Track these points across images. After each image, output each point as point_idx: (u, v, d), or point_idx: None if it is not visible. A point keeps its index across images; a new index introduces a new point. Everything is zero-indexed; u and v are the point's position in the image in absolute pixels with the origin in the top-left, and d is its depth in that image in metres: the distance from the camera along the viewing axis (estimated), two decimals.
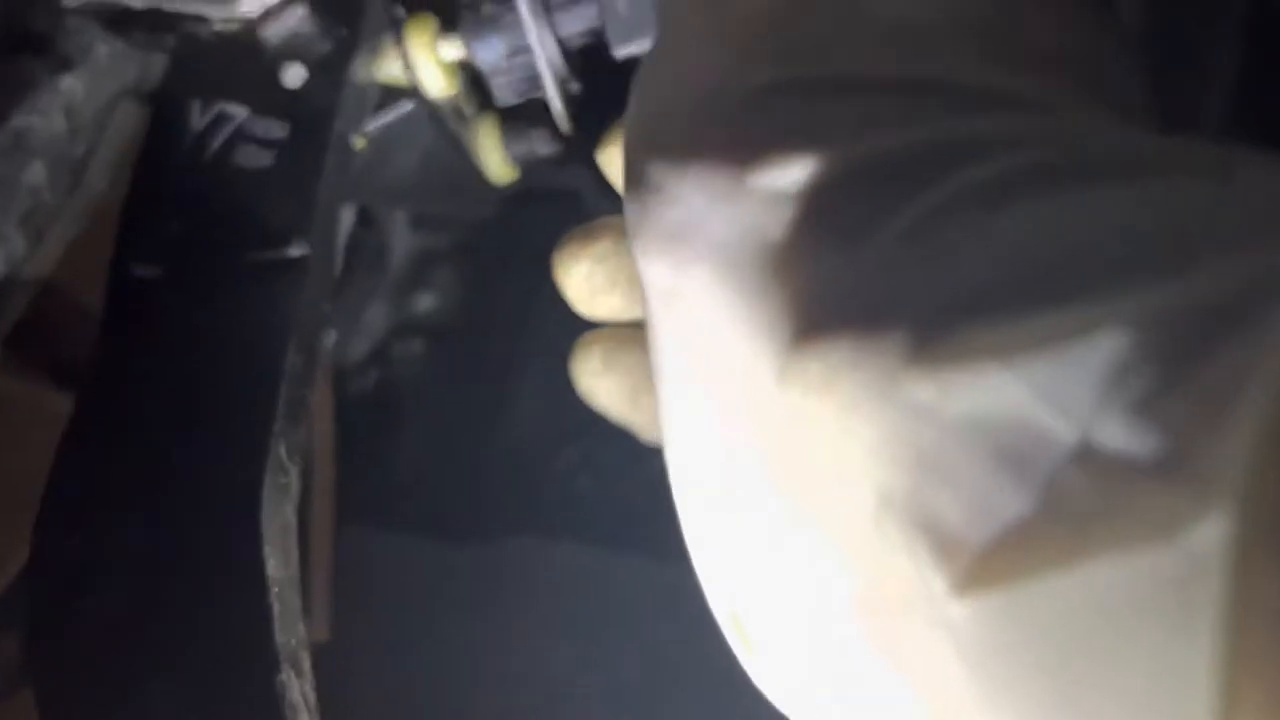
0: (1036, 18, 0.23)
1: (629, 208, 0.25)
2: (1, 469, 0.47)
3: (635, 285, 0.33)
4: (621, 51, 0.40)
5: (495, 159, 0.46)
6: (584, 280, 0.32)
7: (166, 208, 0.40)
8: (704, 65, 0.24)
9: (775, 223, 0.20)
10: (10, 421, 0.47)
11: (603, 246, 0.32)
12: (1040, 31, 0.23)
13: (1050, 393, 0.16)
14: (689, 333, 0.22)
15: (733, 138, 0.21)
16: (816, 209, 0.20)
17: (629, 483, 0.60)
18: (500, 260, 0.65)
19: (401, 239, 0.67)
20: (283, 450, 0.33)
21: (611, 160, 0.36)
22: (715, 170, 0.21)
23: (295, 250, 0.37)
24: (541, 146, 0.45)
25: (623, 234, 0.32)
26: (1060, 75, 0.22)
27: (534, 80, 0.42)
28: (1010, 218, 0.18)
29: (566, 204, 0.65)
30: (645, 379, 0.33)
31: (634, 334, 0.33)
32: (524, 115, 0.45)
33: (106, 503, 0.34)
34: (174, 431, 0.35)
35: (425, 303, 0.67)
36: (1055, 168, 0.18)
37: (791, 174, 0.20)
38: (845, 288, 0.19)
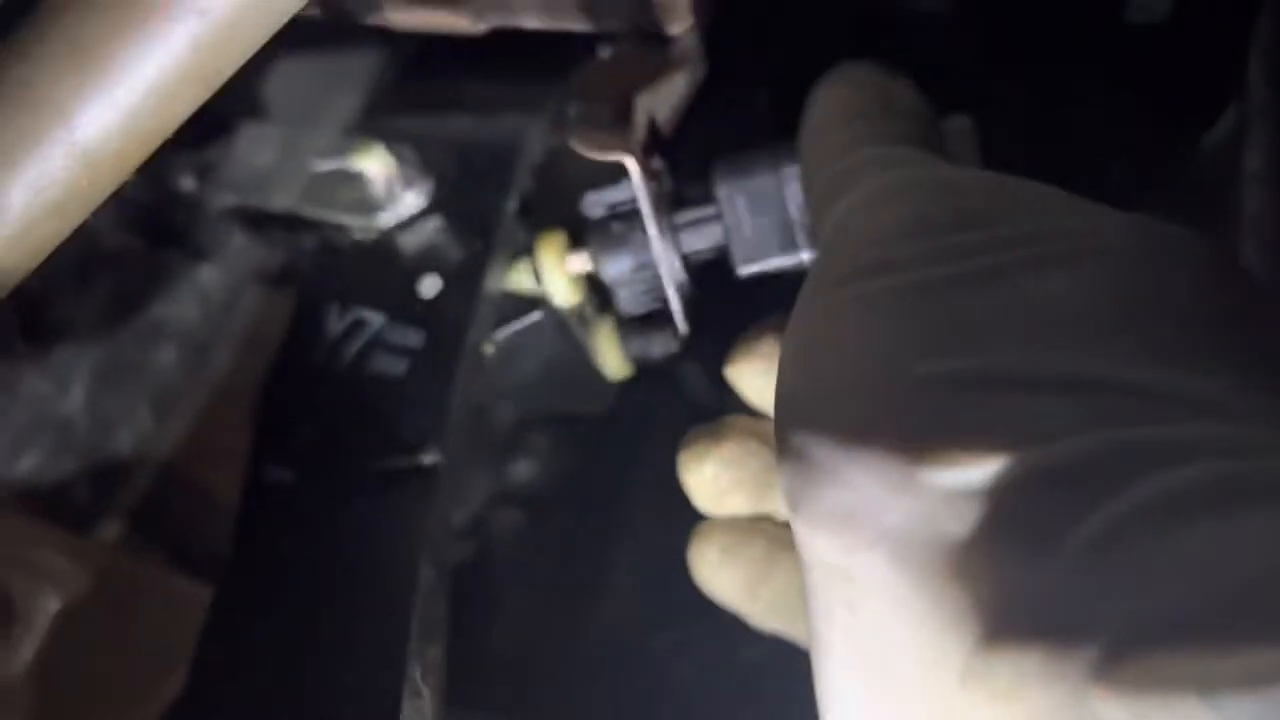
0: (1205, 302, 0.23)
1: (787, 475, 0.25)
2: (121, 650, 0.49)
3: (759, 487, 0.33)
4: (745, 271, 0.41)
5: (612, 358, 0.48)
6: (710, 480, 0.33)
7: (301, 412, 0.41)
8: (866, 344, 0.24)
9: (953, 519, 0.20)
10: (131, 602, 0.48)
11: (730, 450, 0.32)
12: (1209, 319, 0.23)
13: None
14: (858, 615, 0.22)
15: (905, 428, 0.22)
16: (998, 512, 0.20)
17: (727, 671, 0.59)
18: (598, 433, 0.66)
19: (503, 405, 0.68)
20: (418, 672, 0.34)
21: (741, 375, 0.36)
22: (889, 460, 0.22)
23: (427, 459, 0.38)
24: (656, 349, 0.47)
25: (748, 436, 0.33)
26: (1230, 368, 0.22)
27: (656, 291, 0.44)
28: (1201, 535, 0.18)
29: (666, 387, 0.66)
30: (762, 572, 0.33)
31: (752, 527, 0.33)
32: (640, 318, 0.46)
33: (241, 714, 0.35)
34: (308, 644, 0.36)
35: (524, 471, 0.68)
36: (1242, 482, 0.18)
37: (969, 473, 0.20)
38: (1033, 596, 0.19)
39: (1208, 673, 0.16)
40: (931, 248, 0.25)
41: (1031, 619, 0.19)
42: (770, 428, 0.31)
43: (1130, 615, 0.17)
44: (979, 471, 0.20)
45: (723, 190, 0.40)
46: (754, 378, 0.34)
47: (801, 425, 0.24)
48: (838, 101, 0.34)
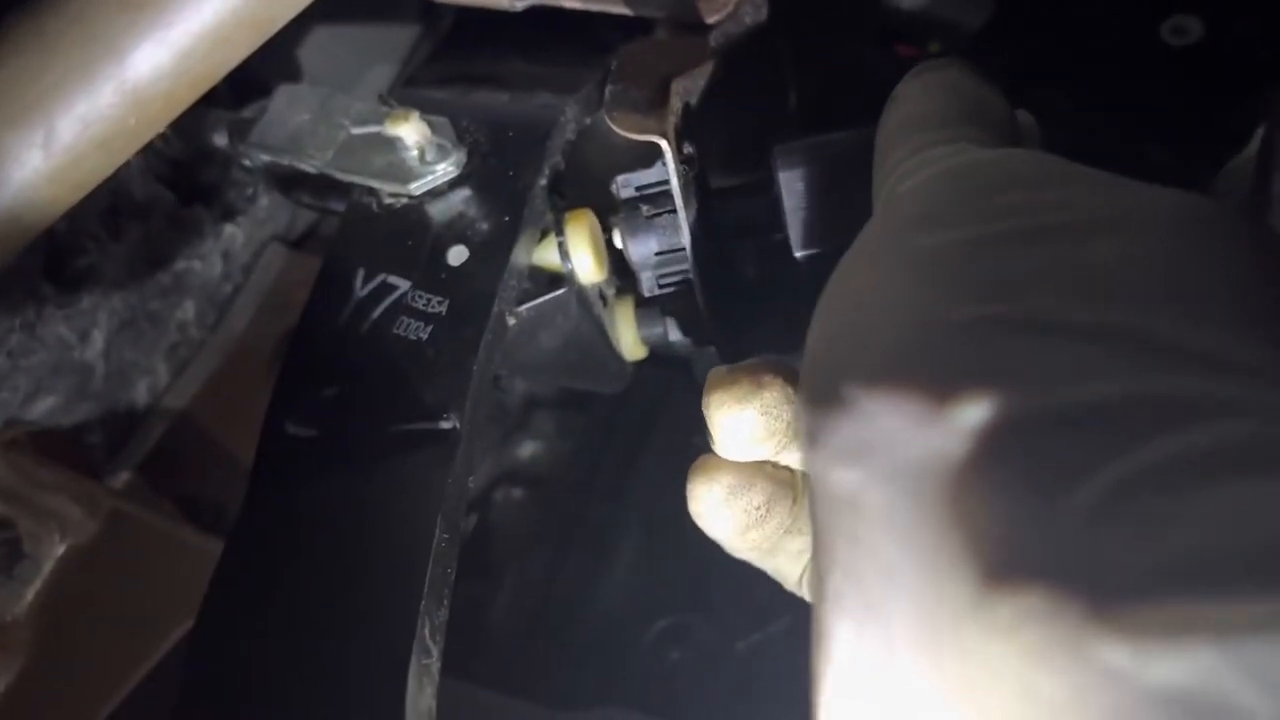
0: (1248, 272, 0.23)
1: (808, 409, 0.25)
2: (125, 594, 0.49)
3: (786, 437, 0.32)
4: (801, 254, 0.41)
5: (629, 338, 0.48)
6: (745, 426, 0.31)
7: (324, 371, 0.41)
8: (902, 292, 0.24)
9: (967, 456, 0.20)
10: (137, 548, 0.49)
11: (772, 396, 0.31)
12: (1251, 287, 0.23)
13: (1265, 678, 0.16)
14: (864, 546, 0.22)
15: (933, 368, 0.22)
16: (1013, 452, 0.20)
17: (721, 658, 0.60)
18: (608, 413, 0.67)
19: (516, 379, 0.68)
20: (427, 630, 0.34)
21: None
22: (912, 397, 0.22)
23: (446, 423, 0.39)
24: (673, 332, 0.47)
25: (788, 383, 0.32)
26: (1271, 335, 0.22)
27: (679, 276, 0.44)
28: (1224, 492, 0.18)
29: (679, 371, 0.67)
30: (759, 518, 0.33)
31: (755, 469, 0.33)
32: (658, 300, 0.46)
33: (247, 669, 0.35)
34: (318, 598, 0.36)
35: (529, 449, 0.69)
36: (1267, 443, 0.18)
37: (988, 411, 0.20)
38: (1041, 538, 0.19)
39: (1217, 617, 0.16)
40: (978, 208, 0.25)
41: (1038, 559, 0.19)
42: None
43: (1142, 564, 0.17)
44: (996, 410, 0.20)
45: (784, 175, 0.40)
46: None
47: (829, 363, 0.25)
48: (926, 100, 0.33)
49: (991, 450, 0.20)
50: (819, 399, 0.24)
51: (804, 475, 0.34)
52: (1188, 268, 0.23)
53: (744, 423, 0.31)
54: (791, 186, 0.40)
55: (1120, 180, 0.26)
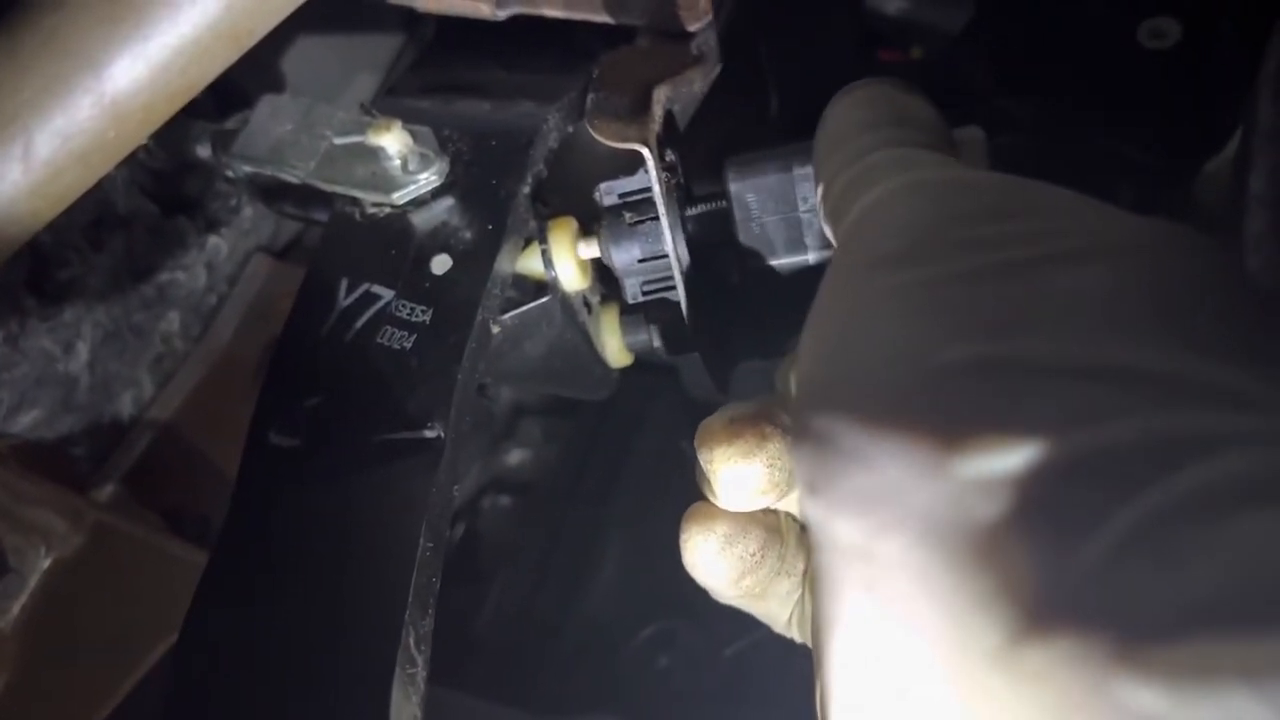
0: (1234, 298, 0.23)
1: (807, 459, 0.25)
2: (110, 607, 0.49)
3: (788, 486, 0.32)
4: (752, 266, 0.42)
5: (614, 345, 0.48)
6: (751, 480, 0.31)
7: (307, 381, 0.41)
8: (894, 331, 0.24)
9: (984, 506, 0.20)
10: (123, 561, 0.49)
11: (775, 448, 0.31)
12: (1239, 314, 0.23)
13: None
14: (876, 595, 0.22)
15: (937, 414, 0.22)
16: (1031, 500, 0.20)
17: (709, 663, 0.60)
18: (594, 421, 0.67)
19: (502, 388, 0.68)
20: (411, 640, 0.34)
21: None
22: (920, 446, 0.22)
23: (430, 432, 0.39)
24: (657, 339, 0.47)
25: (787, 431, 0.32)
26: (1263, 361, 0.22)
27: (662, 282, 0.44)
28: (1244, 525, 0.18)
29: (664, 376, 0.67)
30: (753, 565, 0.33)
31: (749, 518, 0.33)
32: (642, 307, 0.47)
33: (232, 680, 0.35)
34: (302, 608, 0.36)
35: (516, 457, 0.69)
36: (1277, 471, 0.18)
37: (1002, 461, 0.20)
38: (1067, 582, 0.19)
39: (1246, 656, 0.16)
40: (959, 240, 0.25)
41: (1065, 605, 0.18)
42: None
43: (1169, 604, 0.17)
44: (1010, 459, 0.20)
45: (735, 187, 0.40)
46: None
47: (826, 409, 0.24)
48: (855, 112, 0.34)
49: (1007, 498, 0.20)
50: (817, 445, 0.24)
51: (789, 516, 0.34)
52: (1175, 297, 0.23)
53: (750, 477, 0.31)
54: (741, 199, 0.40)
55: (1092, 205, 0.26)
